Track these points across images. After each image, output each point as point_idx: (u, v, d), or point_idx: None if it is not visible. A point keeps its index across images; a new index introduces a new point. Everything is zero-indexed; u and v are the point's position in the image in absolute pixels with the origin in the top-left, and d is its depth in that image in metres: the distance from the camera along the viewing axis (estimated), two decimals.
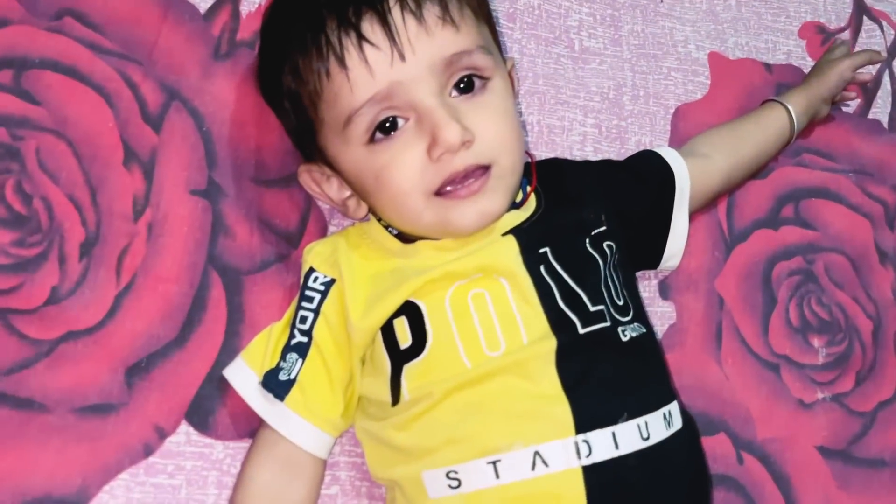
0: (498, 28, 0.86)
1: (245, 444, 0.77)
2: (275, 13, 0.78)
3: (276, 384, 0.72)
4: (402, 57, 0.68)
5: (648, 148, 0.92)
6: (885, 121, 1.07)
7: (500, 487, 0.65)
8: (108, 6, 0.85)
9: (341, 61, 0.68)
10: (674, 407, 0.72)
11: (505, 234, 0.73)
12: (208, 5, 0.89)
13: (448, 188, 0.70)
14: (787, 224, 0.98)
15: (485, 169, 0.70)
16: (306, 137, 0.76)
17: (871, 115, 1.07)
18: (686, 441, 0.72)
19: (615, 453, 0.65)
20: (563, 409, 0.66)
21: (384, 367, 0.72)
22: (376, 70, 0.68)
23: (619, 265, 0.77)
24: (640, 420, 0.67)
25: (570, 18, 1.02)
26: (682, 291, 0.92)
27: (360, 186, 0.74)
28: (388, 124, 0.69)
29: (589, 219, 0.76)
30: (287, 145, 0.86)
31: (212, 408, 0.77)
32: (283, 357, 0.73)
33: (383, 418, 0.72)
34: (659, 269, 0.87)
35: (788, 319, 0.94)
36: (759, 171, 0.96)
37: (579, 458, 0.64)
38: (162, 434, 0.76)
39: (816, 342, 0.94)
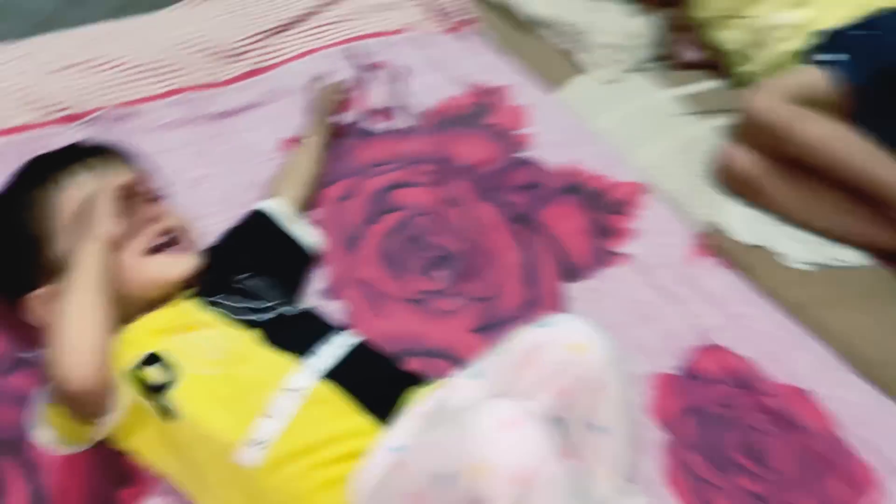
0: None
1: None
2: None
3: None
4: None
5: None
6: (409, 124, 1.50)
7: (289, 428, 0.90)
8: None
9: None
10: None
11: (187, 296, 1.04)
12: None
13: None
14: (385, 213, 1.35)
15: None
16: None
17: (398, 126, 1.50)
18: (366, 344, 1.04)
19: (338, 353, 0.97)
20: (286, 358, 0.96)
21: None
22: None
23: (258, 285, 1.09)
24: (337, 335, 1.01)
25: None
26: (343, 290, 1.24)
27: None
28: None
29: (228, 268, 1.11)
30: None
31: None
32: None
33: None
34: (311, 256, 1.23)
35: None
36: (322, 170, 1.35)
37: (315, 370, 0.94)
38: None
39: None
